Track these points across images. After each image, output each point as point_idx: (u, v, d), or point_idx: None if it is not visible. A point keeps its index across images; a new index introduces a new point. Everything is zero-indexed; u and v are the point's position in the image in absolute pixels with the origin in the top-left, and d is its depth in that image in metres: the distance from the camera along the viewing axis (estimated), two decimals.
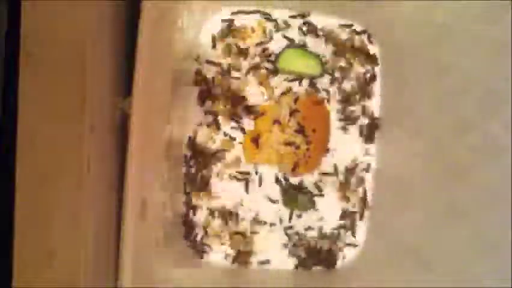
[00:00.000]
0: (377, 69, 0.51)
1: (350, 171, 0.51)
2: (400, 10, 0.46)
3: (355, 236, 0.51)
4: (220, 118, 0.50)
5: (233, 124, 0.50)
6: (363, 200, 0.51)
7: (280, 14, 0.50)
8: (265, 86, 0.50)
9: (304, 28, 0.51)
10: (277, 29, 0.50)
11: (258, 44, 0.50)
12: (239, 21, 0.50)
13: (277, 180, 0.50)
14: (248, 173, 0.50)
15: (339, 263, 0.51)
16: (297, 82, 0.51)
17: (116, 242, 0.35)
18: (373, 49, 0.51)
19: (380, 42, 0.51)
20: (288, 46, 0.50)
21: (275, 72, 0.50)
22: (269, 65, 0.50)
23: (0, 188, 0.31)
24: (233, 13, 0.50)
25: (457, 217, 0.41)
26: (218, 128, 0.50)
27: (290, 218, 0.50)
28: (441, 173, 0.43)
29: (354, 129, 0.51)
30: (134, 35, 0.34)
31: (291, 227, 0.50)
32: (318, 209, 0.51)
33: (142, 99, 0.35)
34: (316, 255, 0.50)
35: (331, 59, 0.51)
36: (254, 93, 0.50)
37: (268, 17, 0.50)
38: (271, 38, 0.50)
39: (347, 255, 0.51)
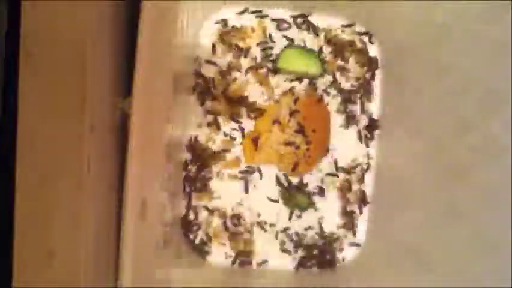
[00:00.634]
0: (377, 69, 0.51)
1: (350, 171, 0.51)
2: (400, 10, 0.46)
3: (355, 236, 0.51)
4: (220, 118, 0.50)
5: (233, 124, 0.50)
6: (363, 199, 0.51)
7: (281, 14, 0.50)
8: (265, 86, 0.50)
9: (305, 28, 0.51)
10: (278, 29, 0.50)
11: (258, 44, 0.50)
12: (239, 21, 0.50)
13: (277, 180, 0.50)
14: (248, 173, 0.50)
15: (339, 263, 0.51)
16: (297, 82, 0.51)
17: (116, 242, 0.35)
18: (373, 49, 0.51)
19: (380, 42, 0.51)
20: (288, 46, 0.50)
21: (275, 72, 0.50)
22: (269, 65, 0.50)
23: (0, 188, 0.31)
24: (233, 13, 0.50)
25: (457, 217, 0.41)
26: (218, 128, 0.50)
27: (290, 218, 0.50)
28: (441, 173, 0.43)
29: (354, 129, 0.51)
30: (134, 35, 0.34)
31: (291, 227, 0.50)
32: (318, 209, 0.51)
33: (142, 99, 0.34)
34: (316, 255, 0.50)
35: (331, 59, 0.51)
36: (254, 93, 0.50)
37: (268, 17, 0.50)
38: (271, 38, 0.50)
39: (347, 255, 0.51)
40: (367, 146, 0.51)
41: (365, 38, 0.51)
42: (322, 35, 0.51)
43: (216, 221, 0.50)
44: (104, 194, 0.36)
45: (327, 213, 0.51)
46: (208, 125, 0.50)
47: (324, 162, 0.51)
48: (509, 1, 0.37)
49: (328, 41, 0.51)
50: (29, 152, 0.31)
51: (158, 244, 0.43)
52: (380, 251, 0.49)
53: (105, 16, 0.35)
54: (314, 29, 0.51)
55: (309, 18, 0.51)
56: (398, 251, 0.46)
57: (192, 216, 0.49)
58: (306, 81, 0.51)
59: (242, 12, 0.50)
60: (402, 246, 0.46)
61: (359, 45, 0.51)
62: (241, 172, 0.50)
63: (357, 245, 0.51)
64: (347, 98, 0.51)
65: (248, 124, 0.50)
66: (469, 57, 0.41)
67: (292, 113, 0.50)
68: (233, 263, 0.50)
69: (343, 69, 0.51)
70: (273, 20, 0.50)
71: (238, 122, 0.50)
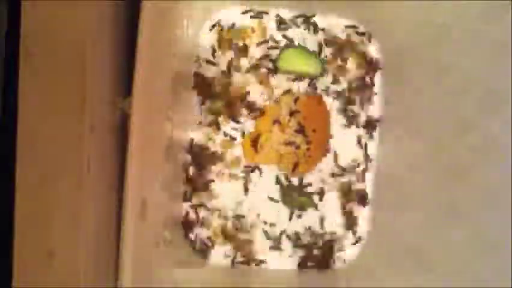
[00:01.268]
0: (377, 69, 0.51)
1: (350, 171, 0.51)
2: (400, 10, 0.46)
3: (355, 236, 0.51)
4: (220, 118, 0.50)
5: (233, 124, 0.50)
6: (363, 200, 0.51)
7: (281, 14, 0.50)
8: (265, 86, 0.50)
9: (305, 28, 0.51)
10: (278, 29, 0.50)
11: (258, 44, 0.50)
12: (239, 21, 0.50)
13: (277, 180, 0.50)
14: (248, 173, 0.50)
15: (339, 263, 0.51)
16: (297, 82, 0.51)
17: (116, 242, 0.35)
18: (373, 49, 0.51)
19: (380, 43, 0.51)
20: (288, 46, 0.50)
21: (275, 72, 0.50)
22: (269, 65, 0.50)
23: (0, 188, 0.31)
24: (233, 13, 0.50)
25: (457, 217, 0.41)
26: (218, 128, 0.50)
27: (290, 218, 0.50)
28: (441, 173, 0.43)
29: (354, 129, 0.51)
30: (134, 35, 0.34)
31: (291, 227, 0.50)
32: (318, 208, 0.51)
33: (142, 99, 0.35)
34: (316, 255, 0.50)
35: (331, 59, 0.51)
36: (254, 93, 0.50)
37: (268, 17, 0.50)
38: (271, 38, 0.50)
39: (347, 255, 0.51)
40: (367, 146, 0.51)
41: (365, 38, 0.51)
42: (322, 35, 0.51)
43: (216, 221, 0.50)
44: (104, 194, 0.36)
45: (327, 213, 0.51)
46: (208, 125, 0.50)
47: (324, 162, 0.51)
48: (509, 1, 0.37)
49: (328, 41, 0.51)
50: (29, 152, 0.31)
51: (158, 244, 0.43)
52: (380, 251, 0.49)
53: (105, 16, 0.35)
54: (314, 29, 0.51)
55: (309, 18, 0.51)
56: (398, 251, 0.46)
57: (192, 216, 0.49)
58: (306, 81, 0.51)
59: (242, 13, 0.50)
60: (402, 246, 0.46)
61: (359, 45, 0.51)
62: (241, 172, 0.50)
63: (357, 245, 0.51)
64: (346, 98, 0.51)
65: (248, 124, 0.50)
66: (469, 57, 0.41)
67: (292, 113, 0.50)
68: (233, 262, 0.50)
69: (343, 69, 0.51)
70: (273, 20, 0.50)
71: (238, 122, 0.50)
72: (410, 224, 0.45)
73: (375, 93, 0.51)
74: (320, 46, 0.51)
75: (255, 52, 0.50)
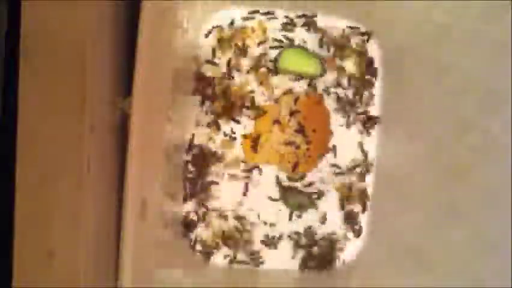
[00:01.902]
0: (377, 69, 0.51)
1: (350, 171, 0.51)
2: (400, 10, 0.46)
3: (355, 236, 0.51)
4: (220, 118, 0.50)
5: (233, 124, 0.50)
6: (363, 200, 0.51)
7: (281, 14, 0.50)
8: (265, 86, 0.50)
9: (305, 28, 0.51)
10: (278, 29, 0.50)
11: (258, 44, 0.50)
12: (239, 21, 0.50)
13: (277, 180, 0.50)
14: (248, 173, 0.50)
15: (339, 263, 0.51)
16: (297, 82, 0.50)
17: (116, 242, 0.35)
18: (373, 49, 0.51)
19: (380, 43, 0.51)
20: (288, 46, 0.50)
21: (275, 72, 0.50)
22: (269, 65, 0.50)
23: (0, 188, 0.31)
24: (233, 13, 0.50)
25: (457, 217, 0.41)
26: (218, 128, 0.50)
27: (290, 218, 0.50)
28: (441, 173, 0.43)
29: (354, 129, 0.51)
30: (134, 35, 0.34)
31: (291, 227, 0.50)
32: (318, 209, 0.51)
33: (142, 99, 0.35)
34: (316, 255, 0.50)
35: (331, 59, 0.51)
36: (254, 94, 0.50)
37: (268, 17, 0.50)
38: (271, 38, 0.50)
39: (347, 255, 0.51)
40: (367, 146, 0.51)
41: (365, 38, 0.51)
42: (322, 35, 0.51)
43: (216, 221, 0.50)
44: (104, 194, 0.36)
45: (327, 213, 0.51)
46: (208, 125, 0.50)
47: (324, 162, 0.51)
48: (509, 1, 0.37)
49: (328, 41, 0.51)
50: (29, 152, 0.31)
51: (158, 244, 0.43)
52: (380, 251, 0.49)
53: (105, 16, 0.35)
54: (314, 29, 0.51)
55: (309, 18, 0.51)
56: (398, 251, 0.46)
57: (192, 216, 0.49)
58: (306, 81, 0.51)
59: (242, 13, 0.50)
60: (402, 246, 0.46)
61: (359, 45, 0.51)
62: (241, 172, 0.50)
63: (357, 245, 0.51)
64: (346, 98, 0.51)
65: (248, 124, 0.50)
66: (469, 57, 0.41)
67: (292, 113, 0.50)
68: (233, 263, 0.50)
69: (343, 69, 0.51)
70: (273, 20, 0.50)
71: (238, 122, 0.50)
72: (410, 224, 0.45)
73: (375, 93, 0.51)
74: (320, 46, 0.51)
75: (255, 52, 0.50)
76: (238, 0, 0.50)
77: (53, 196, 0.31)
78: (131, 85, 0.34)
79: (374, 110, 0.51)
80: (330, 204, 0.51)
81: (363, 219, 0.51)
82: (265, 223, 0.50)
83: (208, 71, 0.50)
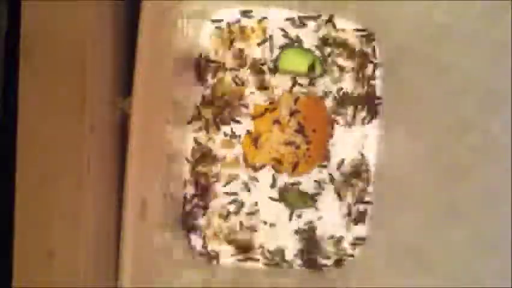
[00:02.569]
0: (377, 69, 0.51)
1: (350, 171, 0.51)
2: (400, 10, 0.46)
3: (355, 236, 0.51)
4: (220, 118, 0.50)
5: (233, 124, 0.50)
6: (363, 200, 0.51)
7: (281, 15, 0.50)
8: (265, 86, 0.50)
9: (305, 28, 0.51)
10: (278, 29, 0.50)
11: (258, 44, 0.50)
12: (239, 20, 0.50)
13: (277, 180, 0.50)
14: (248, 173, 0.50)
15: (338, 263, 0.51)
16: (297, 82, 0.50)
17: (116, 242, 0.35)
18: (373, 49, 0.51)
19: (380, 42, 0.51)
20: (288, 46, 0.50)
21: (275, 72, 0.50)
22: (269, 65, 0.50)
23: (0, 188, 0.31)
24: (233, 13, 0.50)
25: (457, 217, 0.41)
26: (218, 128, 0.50)
27: (290, 218, 0.50)
28: (441, 173, 0.43)
29: (354, 129, 0.51)
30: (134, 35, 0.34)
31: (291, 227, 0.50)
32: (318, 209, 0.51)
33: (142, 99, 0.35)
34: (316, 255, 0.50)
35: (331, 59, 0.51)
36: (254, 93, 0.50)
37: (268, 17, 0.50)
38: (271, 38, 0.50)
39: (346, 255, 0.51)
40: (367, 146, 0.51)
41: (365, 38, 0.51)
42: (322, 35, 0.51)
43: (216, 221, 0.50)
44: (104, 194, 0.36)
45: (327, 212, 0.51)
46: (208, 125, 0.50)
47: (324, 162, 0.51)
48: (509, 1, 0.37)
49: (328, 41, 0.51)
50: (29, 152, 0.31)
51: (158, 244, 0.43)
52: (380, 251, 0.49)
53: (105, 16, 0.35)
54: (314, 29, 0.51)
55: (310, 18, 0.51)
56: (398, 251, 0.46)
57: (192, 216, 0.49)
58: (306, 81, 0.51)
59: (242, 12, 0.50)
60: (402, 246, 0.46)
61: (359, 45, 0.51)
62: (241, 172, 0.50)
63: (357, 245, 0.51)
64: (346, 97, 0.51)
65: (248, 124, 0.50)
66: (469, 57, 0.41)
67: (292, 113, 0.50)
68: (233, 262, 0.50)
69: (343, 69, 0.51)
70: (273, 20, 0.50)
71: (238, 122, 0.50)
72: (410, 224, 0.45)
73: (375, 93, 0.51)
74: (320, 46, 0.51)
75: (255, 52, 0.50)
76: (239, 0, 0.50)
77: (53, 196, 0.31)
78: (131, 85, 0.34)
79: (373, 110, 0.51)
80: (330, 204, 0.51)
81: (363, 219, 0.51)
82: (265, 223, 0.50)
83: (208, 71, 0.50)
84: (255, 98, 0.50)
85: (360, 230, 0.51)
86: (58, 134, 0.31)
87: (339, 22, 0.51)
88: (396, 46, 0.49)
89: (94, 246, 0.33)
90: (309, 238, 0.50)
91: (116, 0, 0.37)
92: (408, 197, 0.46)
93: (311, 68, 0.50)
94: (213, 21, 0.50)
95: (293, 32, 0.51)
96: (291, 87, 0.50)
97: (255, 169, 0.50)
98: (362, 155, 0.51)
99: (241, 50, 0.50)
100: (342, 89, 0.51)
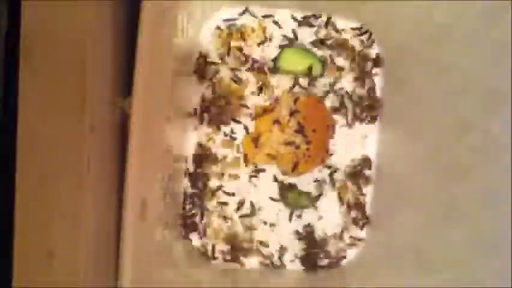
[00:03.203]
0: (377, 69, 0.51)
1: (350, 171, 0.51)
2: (400, 10, 0.46)
3: (355, 236, 0.51)
4: (220, 118, 0.50)
5: (233, 124, 0.50)
6: (363, 199, 0.51)
7: (280, 14, 0.50)
8: (265, 86, 0.50)
9: (305, 28, 0.51)
10: (278, 29, 0.50)
11: (258, 44, 0.50)
12: (239, 21, 0.50)
13: (277, 180, 0.50)
14: (248, 173, 0.50)
15: (339, 263, 0.51)
16: (297, 82, 0.50)
17: (116, 242, 0.35)
18: (373, 49, 0.51)
19: (380, 42, 0.51)
20: (288, 46, 0.50)
21: (275, 72, 0.50)
22: (269, 65, 0.50)
23: (0, 188, 0.31)
24: (233, 13, 0.50)
25: (457, 217, 0.41)
26: (218, 128, 0.50)
27: (290, 218, 0.50)
28: (441, 173, 0.43)
29: (353, 129, 0.51)
30: (134, 35, 0.34)
31: (291, 227, 0.50)
32: (318, 208, 0.51)
33: (142, 99, 0.34)
34: (316, 255, 0.50)
35: (331, 59, 0.51)
36: (254, 93, 0.50)
37: (268, 17, 0.50)
38: (271, 38, 0.50)
39: (346, 255, 0.51)
40: (367, 145, 0.51)
41: (365, 38, 0.51)
42: (322, 35, 0.51)
43: (216, 221, 0.50)
44: (104, 194, 0.36)
45: (327, 213, 0.51)
46: (208, 125, 0.50)
47: (324, 162, 0.51)
48: (509, 1, 0.37)
49: (328, 41, 0.51)
50: (29, 152, 0.31)
51: (158, 244, 0.43)
52: (380, 251, 0.49)
53: (105, 16, 0.35)
54: (314, 29, 0.51)
55: (310, 18, 0.51)
56: (398, 251, 0.46)
57: (192, 216, 0.49)
58: (306, 81, 0.51)
59: (242, 12, 0.50)
60: (402, 246, 0.46)
61: (358, 45, 0.51)
62: (241, 172, 0.50)
63: (357, 245, 0.51)
64: (346, 97, 0.51)
65: (248, 124, 0.50)
66: (469, 57, 0.41)
67: (292, 113, 0.50)
68: (233, 262, 0.50)
69: (343, 69, 0.51)
70: (273, 20, 0.50)
71: (238, 122, 0.50)
72: (410, 224, 0.45)
73: (375, 93, 0.51)
74: (320, 46, 0.51)
75: (255, 52, 0.50)
76: (239, 0, 0.50)
77: (53, 196, 0.31)
78: (131, 85, 0.34)
79: (373, 110, 0.51)
80: (329, 204, 0.51)
81: (363, 219, 0.51)
82: (265, 223, 0.50)
83: (208, 71, 0.50)
84: (255, 98, 0.50)
85: (360, 229, 0.51)
86: (58, 134, 0.31)
87: (339, 22, 0.51)
88: (396, 46, 0.49)
89: (94, 246, 0.33)
90: (309, 238, 0.50)
91: (116, 0, 0.37)
92: (408, 197, 0.47)
93: (311, 68, 0.50)
94: (213, 21, 0.50)
95: (293, 32, 0.51)
96: (291, 87, 0.50)
97: (255, 169, 0.50)
98: (362, 155, 0.51)
99: (241, 50, 0.50)
100: (342, 89, 0.51)
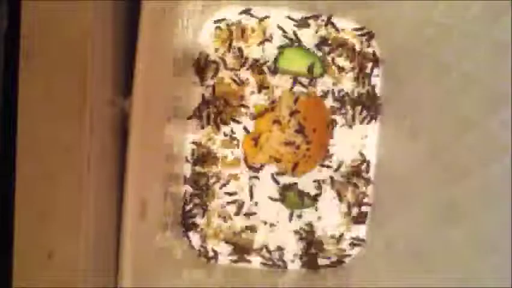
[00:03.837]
0: (377, 69, 0.51)
1: (350, 170, 0.51)
2: (400, 10, 0.46)
3: (355, 236, 0.51)
4: (220, 118, 0.50)
5: (233, 124, 0.50)
6: (363, 199, 0.51)
7: (281, 14, 0.50)
8: (265, 86, 0.50)
9: (305, 28, 0.51)
10: (278, 29, 0.50)
11: (258, 44, 0.50)
12: (239, 21, 0.50)
13: (277, 180, 0.50)
14: (248, 173, 0.50)
15: (339, 262, 0.51)
16: (297, 82, 0.50)
17: (116, 242, 0.35)
18: (373, 49, 0.51)
19: (380, 42, 0.51)
20: (288, 46, 0.50)
21: (275, 72, 0.50)
22: (269, 65, 0.50)
23: (0, 188, 0.31)
24: (233, 13, 0.50)
25: (457, 217, 0.41)
26: (218, 128, 0.50)
27: (290, 218, 0.50)
28: (441, 172, 0.43)
29: (354, 129, 0.51)
30: (134, 35, 0.34)
31: (291, 227, 0.50)
32: (318, 208, 0.51)
33: (142, 99, 0.34)
34: (316, 255, 0.50)
35: (331, 59, 0.51)
36: (254, 93, 0.50)
37: (268, 17, 0.50)
38: (271, 38, 0.50)
39: (346, 255, 0.51)
40: (367, 146, 0.51)
41: (365, 38, 0.51)
42: (322, 35, 0.51)
43: (216, 221, 0.50)
44: (104, 194, 0.36)
45: (327, 213, 0.51)
46: (208, 125, 0.50)
47: (324, 162, 0.51)
48: (509, 1, 0.37)
49: (328, 41, 0.51)
50: (29, 151, 0.31)
51: (158, 244, 0.43)
52: (380, 251, 0.49)
53: (105, 16, 0.35)
54: (314, 29, 0.51)
55: (310, 18, 0.51)
56: (398, 251, 0.46)
57: (192, 216, 0.49)
58: (306, 81, 0.51)
59: (242, 12, 0.50)
60: (402, 246, 0.46)
61: (358, 45, 0.51)
62: (241, 172, 0.50)
63: (357, 245, 0.51)
64: (346, 98, 0.51)
65: (248, 124, 0.50)
66: (469, 57, 0.41)
67: (292, 113, 0.50)
68: (233, 262, 0.50)
69: (343, 69, 0.51)
70: (273, 20, 0.50)
71: (238, 122, 0.50)
72: (410, 224, 0.45)
73: (375, 93, 0.51)
74: (320, 46, 0.51)
75: (255, 52, 0.50)
76: (238, 0, 0.50)
77: (53, 196, 0.31)
78: (131, 85, 0.34)
79: (373, 110, 0.51)
80: (330, 204, 0.51)
81: (363, 219, 0.51)
82: (265, 223, 0.50)
83: (208, 71, 0.50)
84: (255, 98, 0.50)
85: (360, 230, 0.51)
86: (58, 134, 0.31)
87: (339, 22, 0.51)
88: (396, 46, 0.49)
89: (94, 246, 0.33)
90: (309, 238, 0.50)
91: (116, 0, 0.37)
92: (408, 197, 0.46)
93: (311, 68, 0.50)
94: (213, 21, 0.50)
95: (293, 32, 0.51)
96: (291, 87, 0.50)
97: (255, 169, 0.50)
98: (362, 155, 0.51)
99: (241, 50, 0.50)
100: (342, 89, 0.51)
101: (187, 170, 0.49)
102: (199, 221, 0.50)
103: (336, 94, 0.51)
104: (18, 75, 0.31)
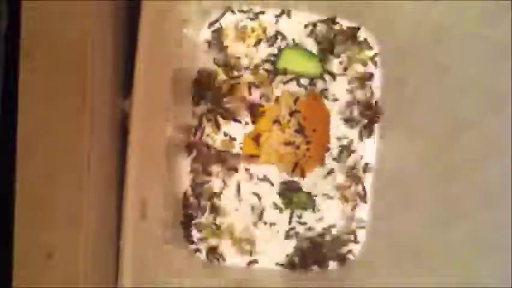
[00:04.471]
0: (377, 69, 0.51)
1: (350, 171, 0.51)
2: (400, 10, 0.46)
3: (355, 236, 0.51)
4: (220, 118, 0.50)
5: (233, 124, 0.50)
6: (363, 199, 0.51)
7: (281, 14, 0.50)
8: (265, 86, 0.50)
9: (305, 28, 0.51)
10: (278, 29, 0.50)
11: (258, 44, 0.50)
12: (239, 20, 0.50)
13: (277, 181, 0.50)
14: (248, 173, 0.50)
15: (339, 263, 0.51)
16: (297, 82, 0.50)
17: (116, 242, 0.35)
18: (373, 49, 0.51)
19: (380, 42, 0.51)
20: (288, 46, 0.50)
21: (275, 72, 0.50)
22: (269, 65, 0.50)
23: (0, 188, 0.31)
24: (233, 13, 0.50)
25: (457, 217, 0.41)
26: (218, 128, 0.50)
27: (290, 218, 0.50)
28: (441, 172, 0.43)
29: (354, 129, 0.51)
30: (134, 35, 0.34)
31: (291, 228, 0.50)
32: (318, 209, 0.51)
33: (142, 99, 0.35)
34: (316, 255, 0.50)
35: (331, 59, 0.51)
36: (254, 94, 0.50)
37: (268, 17, 0.50)
38: (271, 38, 0.50)
39: (347, 255, 0.51)
40: (367, 146, 0.51)
41: (365, 38, 0.51)
42: (322, 35, 0.51)
43: (217, 221, 0.50)
44: (104, 194, 0.36)
45: (327, 213, 0.51)
46: (208, 125, 0.50)
47: (324, 162, 0.51)
48: (510, 1, 0.37)
49: (328, 41, 0.51)
50: (29, 152, 0.31)
51: (158, 244, 0.43)
52: (380, 251, 0.49)
53: (105, 16, 0.35)
54: (314, 29, 0.51)
55: (309, 18, 0.51)
56: (398, 251, 0.46)
57: (192, 216, 0.49)
58: (306, 81, 0.51)
59: (242, 12, 0.50)
60: (402, 246, 0.46)
61: (359, 45, 0.51)
62: (241, 172, 0.50)
63: (357, 245, 0.51)
64: (346, 97, 0.51)
65: (248, 124, 0.50)
66: (469, 57, 0.41)
67: (292, 113, 0.50)
68: (232, 262, 0.50)
69: (343, 69, 0.51)
70: (273, 20, 0.50)
71: (238, 122, 0.50)
72: (410, 224, 0.45)
73: (375, 93, 0.51)
74: (320, 46, 0.51)
75: (255, 52, 0.50)
76: (238, 0, 0.50)
77: (53, 196, 0.31)
78: (131, 85, 0.34)
79: (373, 110, 0.51)
80: (329, 204, 0.51)
81: (363, 219, 0.51)
82: (265, 223, 0.50)
83: (208, 71, 0.50)
84: (255, 98, 0.50)
85: (360, 230, 0.51)
86: (58, 133, 0.31)
87: (339, 22, 0.51)
88: (396, 46, 0.49)
89: (94, 246, 0.33)
90: (309, 238, 0.50)
91: (116, 0, 0.37)
92: (408, 196, 0.47)
93: (311, 68, 0.50)
94: (213, 21, 0.50)
95: (293, 32, 0.51)
96: (291, 87, 0.50)
97: (255, 169, 0.50)
98: (362, 154, 0.51)
99: (240, 50, 0.50)
100: (341, 89, 0.51)
101: (187, 169, 0.49)
102: (200, 221, 0.50)
103: (335, 94, 0.51)
104: (18, 75, 0.31)
